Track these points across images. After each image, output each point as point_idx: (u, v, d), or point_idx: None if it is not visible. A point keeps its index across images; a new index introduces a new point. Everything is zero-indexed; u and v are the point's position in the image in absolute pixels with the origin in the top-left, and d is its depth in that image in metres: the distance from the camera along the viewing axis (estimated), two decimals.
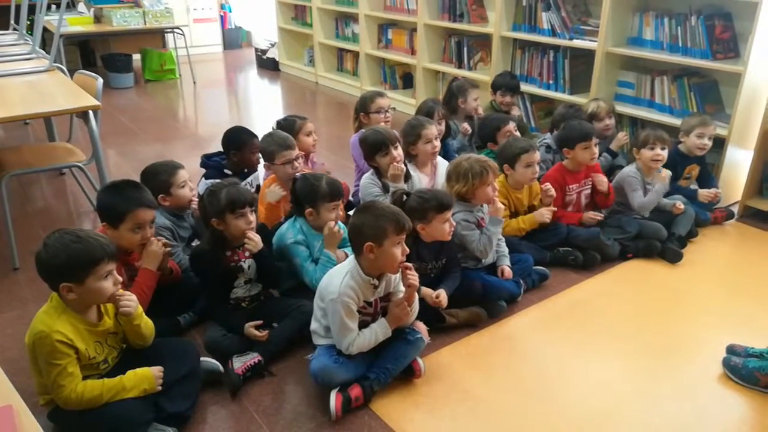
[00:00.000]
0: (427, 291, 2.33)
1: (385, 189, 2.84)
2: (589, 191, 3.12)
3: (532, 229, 2.94)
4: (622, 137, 3.52)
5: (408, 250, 2.02)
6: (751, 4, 3.16)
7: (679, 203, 3.11)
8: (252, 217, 2.26)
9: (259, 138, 3.02)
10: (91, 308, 1.83)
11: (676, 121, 3.51)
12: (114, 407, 1.77)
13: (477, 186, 2.54)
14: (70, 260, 1.70)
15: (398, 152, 2.84)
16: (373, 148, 2.84)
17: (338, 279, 2.00)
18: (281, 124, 3.19)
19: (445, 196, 2.38)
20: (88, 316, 1.81)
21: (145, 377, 1.83)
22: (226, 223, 2.22)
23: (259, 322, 2.23)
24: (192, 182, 2.63)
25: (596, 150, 3.03)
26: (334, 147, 4.52)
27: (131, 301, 1.85)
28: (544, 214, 2.84)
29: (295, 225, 2.46)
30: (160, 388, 1.86)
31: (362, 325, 2.06)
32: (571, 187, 3.06)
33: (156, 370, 1.86)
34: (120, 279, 1.82)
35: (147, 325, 1.95)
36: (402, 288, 2.13)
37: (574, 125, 3.12)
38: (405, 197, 2.35)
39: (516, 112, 3.94)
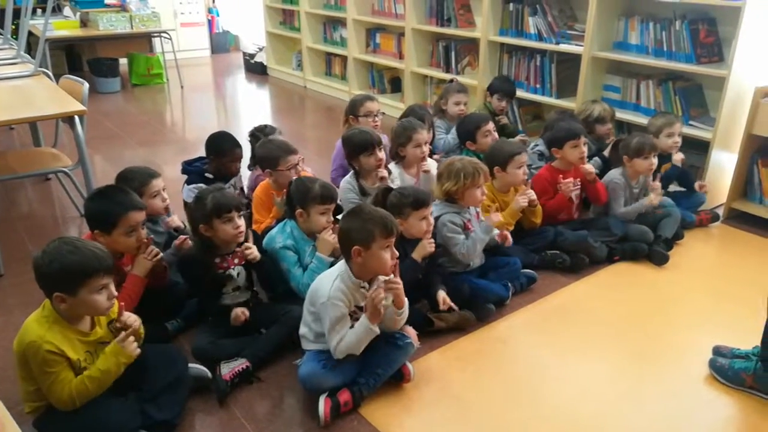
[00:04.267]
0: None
1: (362, 192, 2.84)
2: (579, 191, 3.12)
3: (520, 229, 2.96)
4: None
5: (397, 254, 2.02)
6: (735, 9, 3.20)
7: (650, 196, 3.08)
8: (240, 222, 2.24)
9: (242, 147, 3.03)
10: (84, 318, 1.81)
11: None
12: (101, 415, 1.76)
13: (467, 186, 2.55)
14: (64, 270, 1.69)
15: (382, 154, 2.84)
16: (359, 148, 2.82)
17: (328, 283, 2.00)
18: (257, 135, 3.17)
19: (423, 193, 2.40)
20: (79, 326, 1.80)
21: (115, 352, 1.78)
22: (213, 229, 2.21)
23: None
24: (166, 192, 2.57)
25: (585, 149, 3.04)
26: (322, 151, 4.52)
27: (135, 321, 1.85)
28: (519, 201, 2.81)
29: (285, 229, 2.45)
30: (137, 352, 1.81)
31: None
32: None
33: (125, 342, 1.79)
34: (115, 294, 1.80)
35: (141, 335, 1.94)
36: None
37: (562, 125, 3.13)
38: (386, 194, 2.38)
39: (504, 120, 3.94)
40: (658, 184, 3.09)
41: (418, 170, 3.07)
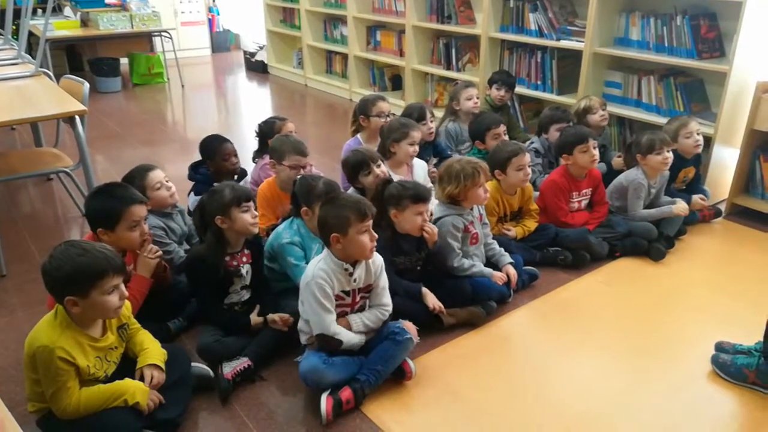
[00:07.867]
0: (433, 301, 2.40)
1: None
2: (588, 201, 3.11)
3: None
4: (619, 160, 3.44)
5: (376, 235, 2.05)
6: (736, 4, 3.19)
7: (677, 206, 3.06)
8: (256, 213, 2.28)
9: (232, 142, 3.07)
10: (96, 323, 1.81)
11: (663, 121, 3.53)
12: (104, 415, 1.76)
13: (469, 187, 2.54)
14: (75, 273, 1.68)
15: (381, 170, 2.72)
16: (355, 169, 2.74)
17: (312, 265, 2.06)
18: (262, 128, 3.23)
19: (424, 189, 2.41)
20: (91, 331, 1.79)
21: (139, 390, 1.82)
22: (231, 219, 2.21)
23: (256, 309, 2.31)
24: (171, 182, 2.59)
25: (596, 152, 2.99)
26: (322, 149, 4.51)
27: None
28: (509, 235, 2.92)
29: (292, 227, 2.45)
30: (147, 409, 1.83)
31: (340, 316, 2.09)
32: (573, 194, 3.05)
33: (153, 394, 1.86)
34: (126, 294, 1.80)
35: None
36: (383, 283, 2.15)
37: (569, 130, 3.09)
38: (385, 186, 2.40)
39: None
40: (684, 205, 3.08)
41: (407, 169, 3.06)
